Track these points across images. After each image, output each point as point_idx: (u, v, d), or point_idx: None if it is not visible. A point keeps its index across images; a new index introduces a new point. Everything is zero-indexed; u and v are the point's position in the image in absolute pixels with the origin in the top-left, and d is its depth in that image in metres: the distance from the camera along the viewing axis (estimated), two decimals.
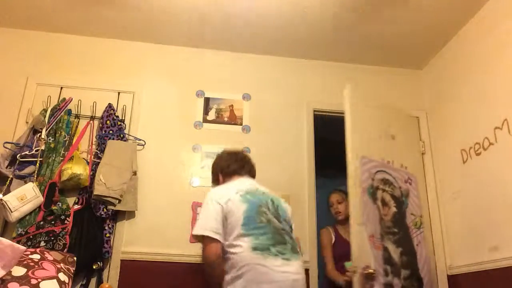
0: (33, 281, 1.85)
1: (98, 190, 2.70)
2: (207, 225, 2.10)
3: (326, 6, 2.93)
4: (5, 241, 1.84)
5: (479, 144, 2.79)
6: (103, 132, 2.98)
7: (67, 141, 2.94)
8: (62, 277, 2.02)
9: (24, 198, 2.59)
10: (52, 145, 2.86)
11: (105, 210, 2.73)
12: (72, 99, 3.08)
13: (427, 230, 3.00)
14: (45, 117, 2.91)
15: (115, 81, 3.24)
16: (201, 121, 3.25)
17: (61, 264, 2.10)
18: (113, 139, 2.95)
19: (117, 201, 2.77)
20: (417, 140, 3.35)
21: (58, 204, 2.73)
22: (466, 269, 2.81)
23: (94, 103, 3.09)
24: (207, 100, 3.31)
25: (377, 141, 2.83)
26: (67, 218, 2.67)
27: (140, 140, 3.08)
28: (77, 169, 2.74)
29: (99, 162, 2.85)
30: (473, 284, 2.76)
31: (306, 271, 2.73)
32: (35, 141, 2.85)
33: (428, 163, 3.30)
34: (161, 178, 3.03)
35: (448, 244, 3.07)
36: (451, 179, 3.10)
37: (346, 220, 3.01)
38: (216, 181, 2.45)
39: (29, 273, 1.89)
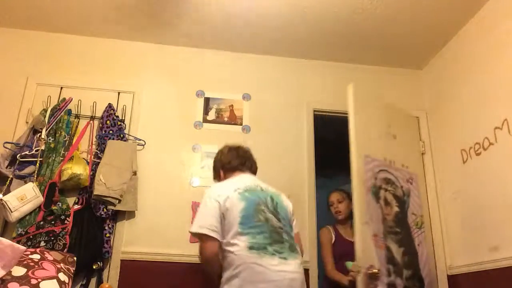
0: (33, 281, 1.85)
1: (98, 190, 2.70)
2: (204, 222, 2.09)
3: (326, 6, 2.93)
4: (5, 241, 1.84)
5: (479, 144, 2.79)
6: (103, 132, 2.98)
7: (67, 141, 2.93)
8: (62, 277, 2.02)
9: (24, 198, 2.59)
10: (52, 145, 2.86)
11: (105, 210, 2.73)
12: (72, 99, 3.08)
13: (427, 230, 3.00)
14: (45, 117, 2.90)
15: (115, 81, 3.24)
16: (201, 121, 3.25)
17: (61, 264, 2.10)
18: (113, 139, 2.95)
19: (117, 201, 2.77)
20: (417, 140, 3.35)
21: (58, 204, 2.73)
22: (466, 269, 2.81)
23: (94, 103, 3.09)
24: (207, 100, 3.31)
25: (378, 140, 2.82)
26: (67, 218, 2.67)
27: (140, 140, 3.08)
28: (77, 169, 2.74)
29: (99, 162, 2.85)
30: (473, 284, 2.76)
31: (306, 271, 2.73)
32: (35, 141, 2.85)
33: (428, 163, 3.30)
34: (161, 178, 3.03)
35: (448, 244, 3.07)
36: (451, 179, 3.10)
37: (346, 220, 3.02)
38: (217, 177, 2.44)
39: (29, 273, 1.89)
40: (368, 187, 2.59)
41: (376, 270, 2.34)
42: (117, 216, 2.85)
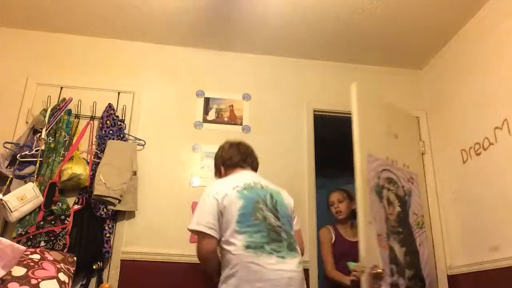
0: (33, 281, 1.85)
1: (98, 190, 2.70)
2: (202, 220, 2.08)
3: (326, 6, 2.93)
4: (5, 241, 1.84)
5: (479, 144, 2.79)
6: (103, 132, 2.98)
7: (67, 141, 2.93)
8: (62, 277, 2.02)
9: (24, 198, 2.59)
10: (52, 145, 2.86)
11: (105, 210, 2.73)
12: (72, 99, 3.08)
13: (427, 230, 3.00)
14: (45, 117, 2.90)
15: (115, 81, 3.24)
16: (201, 121, 3.25)
17: (61, 264, 2.10)
18: (113, 139, 2.95)
19: (117, 201, 2.77)
20: (417, 140, 3.35)
21: (58, 204, 2.72)
22: (466, 269, 2.81)
23: (94, 103, 3.09)
24: (207, 100, 3.31)
25: (380, 139, 2.81)
26: (67, 218, 2.67)
27: (140, 140, 3.08)
28: (77, 169, 2.74)
29: (99, 162, 2.85)
30: (473, 284, 2.76)
31: (306, 271, 2.73)
32: (35, 141, 2.85)
33: (428, 163, 3.30)
34: (161, 178, 3.03)
35: (448, 244, 3.07)
36: (451, 179, 3.10)
37: (346, 219, 3.02)
38: (218, 173, 2.44)
39: (29, 273, 1.89)
40: (371, 187, 2.57)
41: (381, 270, 2.32)
42: (117, 216, 2.85)
